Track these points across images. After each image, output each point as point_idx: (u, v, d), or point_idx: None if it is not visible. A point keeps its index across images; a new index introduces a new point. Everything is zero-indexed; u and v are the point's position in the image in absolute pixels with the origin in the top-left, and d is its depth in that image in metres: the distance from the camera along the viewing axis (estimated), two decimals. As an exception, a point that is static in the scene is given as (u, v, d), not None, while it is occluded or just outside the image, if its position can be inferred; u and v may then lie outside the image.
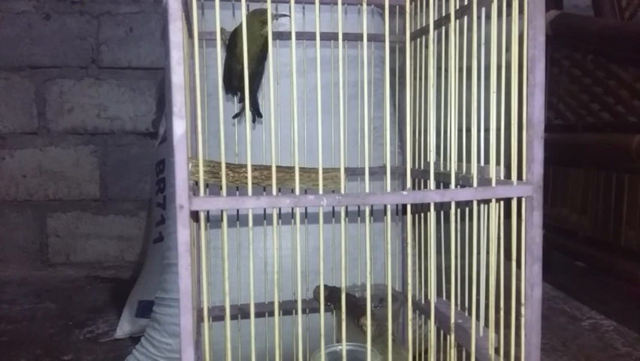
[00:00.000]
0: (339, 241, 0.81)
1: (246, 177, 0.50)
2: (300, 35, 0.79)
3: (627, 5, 1.48)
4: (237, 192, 0.56)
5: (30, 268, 1.75)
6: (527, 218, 0.52)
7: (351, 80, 0.90)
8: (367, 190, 0.51)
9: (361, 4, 0.51)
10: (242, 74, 0.72)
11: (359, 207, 0.83)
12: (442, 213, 0.65)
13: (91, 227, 1.78)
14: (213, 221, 0.82)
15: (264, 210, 0.82)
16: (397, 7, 0.81)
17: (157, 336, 0.93)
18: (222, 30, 0.76)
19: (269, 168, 0.61)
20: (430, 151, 0.63)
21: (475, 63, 0.58)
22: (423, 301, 0.76)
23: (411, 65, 0.78)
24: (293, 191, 0.52)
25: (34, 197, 1.75)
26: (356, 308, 0.69)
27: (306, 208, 0.82)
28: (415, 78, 0.77)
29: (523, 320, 0.53)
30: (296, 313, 0.66)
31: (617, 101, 1.24)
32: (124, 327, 1.14)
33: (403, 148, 0.82)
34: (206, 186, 0.72)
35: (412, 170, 0.78)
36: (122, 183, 1.78)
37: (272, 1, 0.77)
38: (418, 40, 0.76)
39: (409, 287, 0.80)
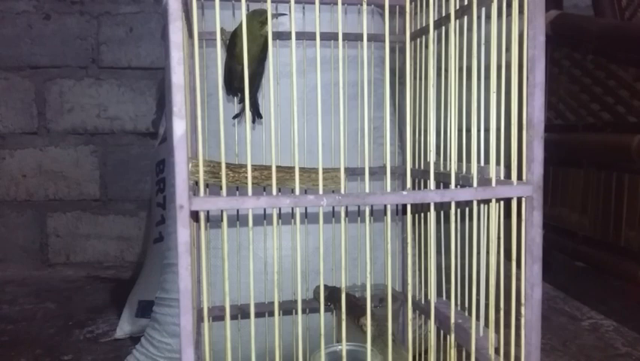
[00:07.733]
0: (339, 241, 0.81)
1: (246, 177, 0.50)
2: (300, 35, 0.79)
3: (627, 5, 1.48)
4: (237, 192, 0.56)
5: (30, 268, 1.75)
6: (527, 218, 0.52)
7: (351, 80, 0.90)
8: (367, 190, 0.51)
9: (361, 4, 0.51)
10: (242, 74, 0.72)
11: (359, 207, 0.83)
12: (442, 213, 0.65)
13: (91, 227, 1.78)
14: (213, 221, 0.82)
15: (264, 210, 0.82)
16: (397, 7, 0.81)
17: (157, 336, 0.93)
18: (222, 30, 0.76)
19: (269, 168, 0.61)
20: (430, 151, 0.63)
21: (475, 63, 0.58)
22: (423, 301, 0.76)
23: (411, 65, 0.78)
24: (293, 191, 0.52)
25: (34, 197, 1.75)
26: (356, 308, 0.69)
27: (306, 208, 0.82)
28: (415, 78, 0.77)
29: (523, 320, 0.53)
30: (296, 313, 0.66)
31: (617, 101, 1.24)
32: (124, 327, 1.14)
33: (403, 148, 0.82)
34: (206, 186, 0.72)
35: (412, 170, 0.78)
36: (122, 183, 1.78)
37: (272, 1, 0.77)
38: (418, 40, 0.76)
39: (409, 287, 0.80)
